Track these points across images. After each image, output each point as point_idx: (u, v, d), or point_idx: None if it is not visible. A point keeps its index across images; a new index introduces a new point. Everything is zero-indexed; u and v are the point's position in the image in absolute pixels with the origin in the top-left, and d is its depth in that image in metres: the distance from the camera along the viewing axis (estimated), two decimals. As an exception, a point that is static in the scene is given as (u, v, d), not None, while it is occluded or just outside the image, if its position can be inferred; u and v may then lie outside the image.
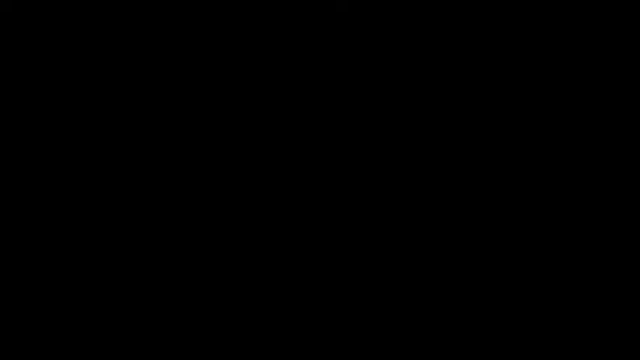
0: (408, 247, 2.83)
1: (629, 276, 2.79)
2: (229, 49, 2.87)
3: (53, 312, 2.81)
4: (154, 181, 2.86)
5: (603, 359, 2.76)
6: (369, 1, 2.85)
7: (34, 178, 2.84)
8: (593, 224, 2.81)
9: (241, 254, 2.85)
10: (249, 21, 2.88)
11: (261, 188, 2.86)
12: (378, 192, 2.85)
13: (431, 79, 2.85)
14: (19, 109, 2.86)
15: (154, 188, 2.86)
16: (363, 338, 2.81)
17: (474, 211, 2.83)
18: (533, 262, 2.82)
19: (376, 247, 2.84)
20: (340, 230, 2.84)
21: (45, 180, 2.84)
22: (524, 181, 2.84)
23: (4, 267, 2.82)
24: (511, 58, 2.85)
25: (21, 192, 2.84)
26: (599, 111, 2.84)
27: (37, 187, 2.85)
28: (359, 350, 2.81)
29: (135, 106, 2.87)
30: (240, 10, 2.88)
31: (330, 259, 2.84)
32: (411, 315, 2.81)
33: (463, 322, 2.80)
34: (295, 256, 2.85)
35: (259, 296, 2.84)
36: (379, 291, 2.83)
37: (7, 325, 2.81)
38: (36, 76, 2.86)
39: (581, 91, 2.84)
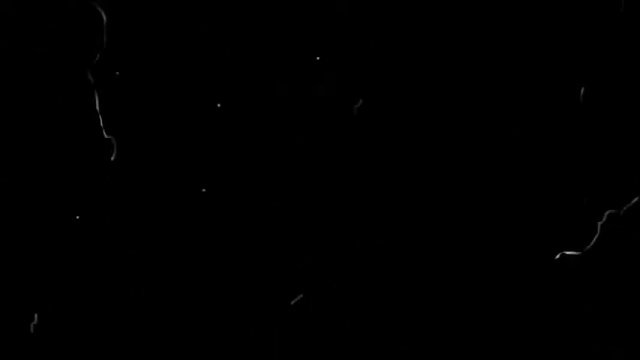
0: (406, 246, 2.84)
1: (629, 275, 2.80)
2: (229, 48, 2.87)
3: (52, 311, 2.82)
4: (153, 180, 2.87)
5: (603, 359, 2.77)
6: (369, 1, 2.85)
7: (34, 177, 2.85)
8: (592, 223, 2.82)
9: (240, 253, 2.85)
10: (250, 21, 2.88)
11: (261, 187, 2.86)
12: (376, 191, 2.85)
13: (430, 78, 2.86)
14: (19, 109, 2.86)
15: (152, 188, 2.87)
16: (362, 338, 2.82)
17: (472, 209, 2.84)
18: (532, 261, 2.82)
19: (375, 247, 2.84)
20: (339, 229, 2.85)
21: (45, 179, 2.85)
22: (523, 180, 2.84)
23: (5, 267, 2.83)
24: (511, 58, 2.85)
25: (21, 191, 2.85)
26: (599, 110, 2.85)
27: (37, 187, 2.85)
28: (358, 350, 2.82)
29: (134, 105, 2.87)
30: (240, 10, 2.88)
31: (328, 258, 2.85)
32: (410, 314, 2.82)
33: (462, 321, 2.81)
34: (294, 255, 2.86)
35: (258, 296, 2.85)
36: (378, 290, 2.83)
37: (7, 324, 2.81)
38: (36, 76, 2.86)
39: (580, 91, 2.85)
